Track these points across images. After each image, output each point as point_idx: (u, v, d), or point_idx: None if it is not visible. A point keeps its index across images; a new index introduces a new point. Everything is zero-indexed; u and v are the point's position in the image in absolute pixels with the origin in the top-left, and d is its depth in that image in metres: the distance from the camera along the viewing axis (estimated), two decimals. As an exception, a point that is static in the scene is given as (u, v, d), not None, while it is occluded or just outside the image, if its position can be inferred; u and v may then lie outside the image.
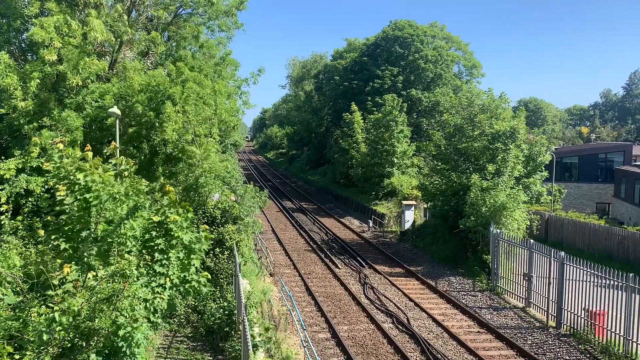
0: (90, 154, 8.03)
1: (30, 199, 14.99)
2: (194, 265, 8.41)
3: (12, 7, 17.28)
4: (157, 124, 17.97)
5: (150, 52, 23.13)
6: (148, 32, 22.26)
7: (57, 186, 7.65)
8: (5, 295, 7.54)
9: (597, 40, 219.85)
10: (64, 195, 7.48)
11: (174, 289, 8.12)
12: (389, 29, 58.81)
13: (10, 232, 10.68)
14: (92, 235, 7.58)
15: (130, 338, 7.07)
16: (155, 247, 8.03)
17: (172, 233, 8.13)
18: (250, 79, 27.76)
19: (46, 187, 12.91)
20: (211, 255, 16.53)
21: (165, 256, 8.05)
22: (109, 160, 8.45)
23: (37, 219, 12.30)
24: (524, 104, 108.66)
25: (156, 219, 8.06)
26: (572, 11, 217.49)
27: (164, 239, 8.09)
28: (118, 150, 16.14)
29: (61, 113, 16.78)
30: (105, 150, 8.53)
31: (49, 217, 7.75)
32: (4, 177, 15.10)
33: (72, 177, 7.58)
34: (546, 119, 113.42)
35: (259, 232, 22.80)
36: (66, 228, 7.55)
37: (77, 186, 7.54)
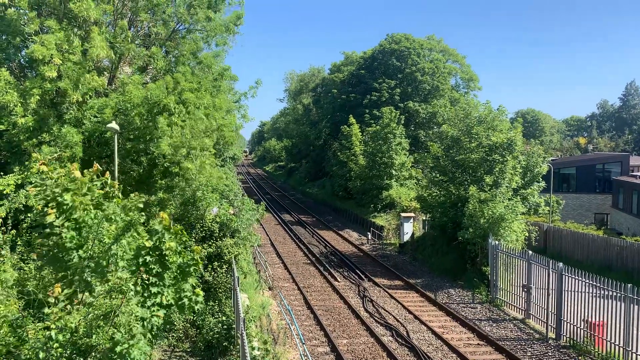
0: (78, 173, 7.97)
1: (29, 215, 15.01)
2: (190, 283, 8.41)
3: (12, 24, 17.46)
4: (156, 136, 18.06)
5: (149, 68, 23.32)
6: (146, 47, 22.45)
7: (45, 209, 7.59)
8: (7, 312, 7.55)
9: (594, 51, 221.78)
10: (53, 219, 7.42)
11: (169, 307, 8.12)
12: (386, 42, 59.36)
13: (4, 245, 10.68)
14: (88, 254, 7.58)
15: (127, 354, 7.06)
16: (150, 272, 8.04)
17: (167, 258, 8.12)
18: (248, 92, 27.96)
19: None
20: (209, 269, 16.52)
21: (159, 277, 8.06)
22: (94, 182, 8.38)
23: (36, 235, 12.32)
24: (522, 115, 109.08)
25: (148, 244, 8.03)
26: (569, 23, 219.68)
27: (158, 265, 8.09)
28: (116, 165, 16.24)
29: (60, 129, 16.88)
30: (87, 175, 8.39)
31: (39, 240, 7.71)
32: (3, 192, 15.13)
33: (59, 199, 7.51)
34: (544, 130, 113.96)
35: (257, 245, 22.81)
36: (55, 250, 7.50)
37: (64, 207, 7.47)
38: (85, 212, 7.54)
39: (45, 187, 7.69)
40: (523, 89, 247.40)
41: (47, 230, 7.44)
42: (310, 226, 41.49)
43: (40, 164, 8.07)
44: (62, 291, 7.39)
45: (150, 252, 8.07)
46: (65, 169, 8.20)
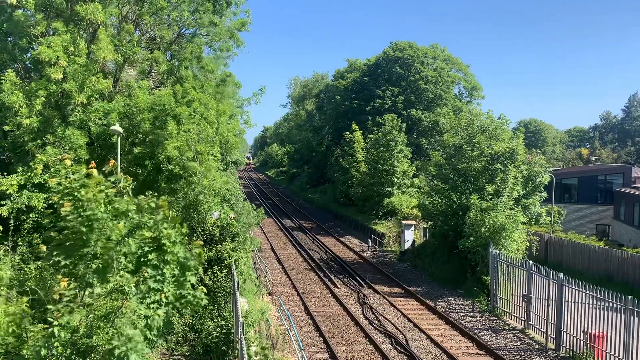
0: (95, 171, 8.13)
1: (31, 215, 15.08)
2: (189, 281, 8.43)
3: (19, 26, 17.60)
4: (163, 141, 18.20)
5: (153, 71, 23.46)
6: (151, 51, 22.61)
7: (61, 202, 7.73)
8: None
9: (598, 63, 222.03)
10: (68, 212, 7.55)
11: (170, 305, 8.12)
12: (390, 49, 59.55)
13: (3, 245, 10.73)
14: (92, 252, 7.64)
15: (125, 357, 7.06)
16: (149, 263, 8.06)
17: (165, 248, 8.15)
18: (252, 99, 28.16)
19: (48, 203, 12.96)
20: (209, 273, 16.53)
21: (159, 272, 8.08)
22: (109, 178, 8.54)
23: (38, 235, 12.36)
24: (524, 125, 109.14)
25: (148, 234, 8.09)
26: (573, 33, 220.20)
27: (156, 254, 8.12)
28: (119, 168, 16.32)
29: (65, 130, 16.98)
30: (104, 168, 8.61)
31: (52, 233, 7.80)
32: (6, 192, 15.21)
33: (76, 194, 7.66)
34: (546, 140, 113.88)
35: (257, 250, 22.84)
36: (67, 244, 7.61)
37: (80, 202, 7.62)
38: (93, 210, 7.62)
39: (69, 180, 7.81)
40: (526, 99, 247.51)
41: (61, 223, 7.55)
42: (311, 232, 41.48)
43: (65, 158, 8.19)
44: (69, 285, 7.43)
45: (149, 243, 8.10)
46: (80, 166, 8.32)
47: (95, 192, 7.73)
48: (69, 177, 7.86)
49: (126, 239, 7.76)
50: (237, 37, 24.51)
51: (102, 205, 7.78)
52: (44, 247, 8.05)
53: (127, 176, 8.79)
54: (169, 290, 8.05)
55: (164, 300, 7.94)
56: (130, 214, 8.15)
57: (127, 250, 7.77)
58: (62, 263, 7.59)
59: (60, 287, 7.45)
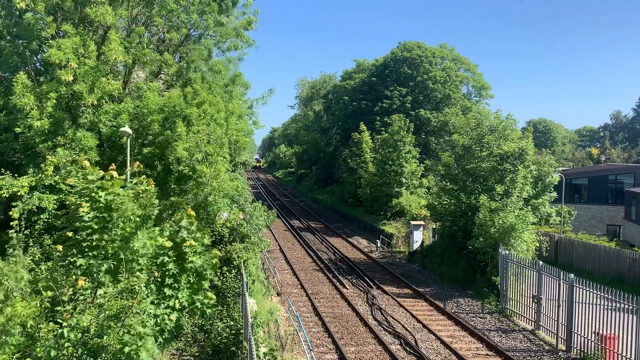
0: (114, 173, 8.19)
1: (42, 217, 15.18)
2: (203, 288, 8.49)
3: (29, 29, 17.74)
4: (172, 143, 18.26)
5: (162, 73, 23.54)
6: (160, 52, 22.69)
7: (78, 202, 7.79)
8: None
9: (608, 61, 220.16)
10: (85, 212, 7.60)
11: (182, 310, 8.17)
12: (398, 50, 59.41)
13: (17, 245, 10.79)
14: (103, 252, 7.68)
15: (135, 356, 7.10)
16: (167, 272, 8.10)
17: (186, 257, 8.20)
18: (260, 100, 28.12)
19: (61, 203, 13.01)
20: (219, 273, 16.57)
21: (175, 279, 8.12)
22: (130, 179, 8.62)
23: (49, 237, 12.43)
24: (533, 124, 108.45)
25: (167, 244, 8.15)
26: (582, 32, 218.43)
27: (176, 263, 8.17)
28: (130, 171, 16.40)
29: (75, 132, 17.07)
30: (129, 169, 8.72)
31: (68, 233, 7.85)
32: (17, 194, 15.32)
33: (94, 195, 7.72)
34: (556, 140, 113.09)
35: (266, 250, 22.85)
36: (84, 244, 7.66)
37: (97, 203, 7.67)
38: (110, 211, 7.69)
39: (86, 182, 7.87)
40: (534, 99, 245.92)
41: (76, 224, 7.61)
42: (319, 233, 41.47)
43: (83, 159, 8.29)
44: (86, 284, 7.49)
45: (169, 253, 8.16)
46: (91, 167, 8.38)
47: (114, 194, 7.79)
48: (86, 178, 7.91)
49: (135, 235, 7.80)
50: (247, 37, 24.48)
51: (115, 207, 7.84)
52: (59, 247, 8.10)
53: (149, 179, 8.85)
54: (183, 297, 8.10)
55: (178, 305, 7.99)
56: (135, 215, 8.20)
57: (145, 252, 7.82)
58: (78, 263, 7.64)
59: (76, 287, 7.51)
